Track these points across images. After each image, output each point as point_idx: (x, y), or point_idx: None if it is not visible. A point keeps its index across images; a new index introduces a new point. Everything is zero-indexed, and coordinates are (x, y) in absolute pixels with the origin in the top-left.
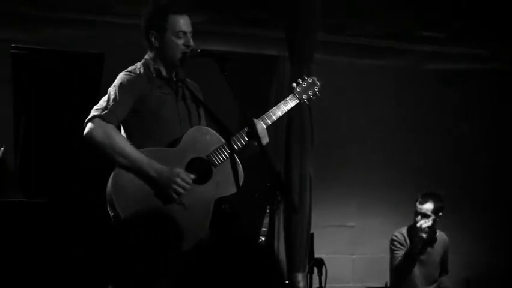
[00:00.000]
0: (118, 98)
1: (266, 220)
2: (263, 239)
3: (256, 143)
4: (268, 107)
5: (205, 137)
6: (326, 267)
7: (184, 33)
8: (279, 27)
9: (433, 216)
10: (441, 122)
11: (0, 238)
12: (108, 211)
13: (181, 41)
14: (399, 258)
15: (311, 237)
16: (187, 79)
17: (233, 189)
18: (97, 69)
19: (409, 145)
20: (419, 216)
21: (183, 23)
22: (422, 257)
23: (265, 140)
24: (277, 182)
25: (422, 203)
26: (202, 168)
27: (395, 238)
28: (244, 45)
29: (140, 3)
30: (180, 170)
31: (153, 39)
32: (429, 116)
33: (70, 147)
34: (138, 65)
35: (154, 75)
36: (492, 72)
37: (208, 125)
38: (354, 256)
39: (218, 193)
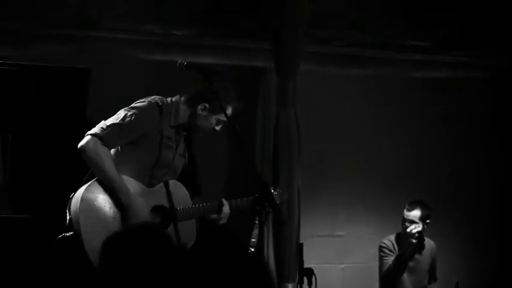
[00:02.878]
0: (126, 128)
1: (255, 231)
2: (253, 250)
3: (215, 218)
4: (254, 118)
5: (178, 193)
6: (315, 277)
7: (224, 122)
8: (265, 38)
9: (420, 223)
10: (429, 130)
11: None
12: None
13: (215, 126)
14: (389, 264)
15: (300, 247)
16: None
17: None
18: (83, 85)
19: (397, 153)
20: (407, 223)
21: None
22: (411, 264)
23: (223, 221)
24: (266, 193)
25: (409, 210)
26: (162, 217)
27: (383, 245)
28: (231, 57)
29: (129, 18)
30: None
31: (200, 109)
32: (416, 124)
33: (57, 162)
34: (165, 101)
35: (172, 126)
36: (478, 80)
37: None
38: (343, 265)
39: None
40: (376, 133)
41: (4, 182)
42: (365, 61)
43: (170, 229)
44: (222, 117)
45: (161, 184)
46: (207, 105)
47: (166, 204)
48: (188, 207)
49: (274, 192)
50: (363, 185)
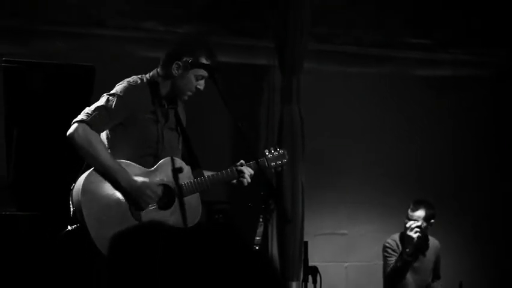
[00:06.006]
0: (112, 109)
1: (260, 229)
2: (257, 248)
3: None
4: (258, 116)
5: (180, 169)
6: (320, 275)
7: (203, 77)
8: (269, 36)
9: (424, 223)
10: (432, 128)
11: None
12: (70, 205)
13: (196, 83)
14: (393, 264)
15: (305, 245)
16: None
17: (188, 223)
18: (87, 82)
19: (400, 151)
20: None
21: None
22: (415, 264)
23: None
24: (270, 190)
25: (413, 210)
26: (166, 195)
27: (387, 245)
28: (235, 55)
29: (131, 16)
30: (150, 183)
31: (174, 68)
32: (419, 122)
33: (62, 159)
34: (144, 79)
35: (156, 100)
36: (480, 78)
37: (182, 153)
38: (347, 264)
39: (172, 222)
40: (379, 131)
41: (9, 179)
42: (367, 59)
43: (176, 206)
44: (200, 72)
45: (161, 162)
46: (179, 62)
47: (169, 183)
48: (191, 181)
49: (275, 153)
50: (367, 182)
